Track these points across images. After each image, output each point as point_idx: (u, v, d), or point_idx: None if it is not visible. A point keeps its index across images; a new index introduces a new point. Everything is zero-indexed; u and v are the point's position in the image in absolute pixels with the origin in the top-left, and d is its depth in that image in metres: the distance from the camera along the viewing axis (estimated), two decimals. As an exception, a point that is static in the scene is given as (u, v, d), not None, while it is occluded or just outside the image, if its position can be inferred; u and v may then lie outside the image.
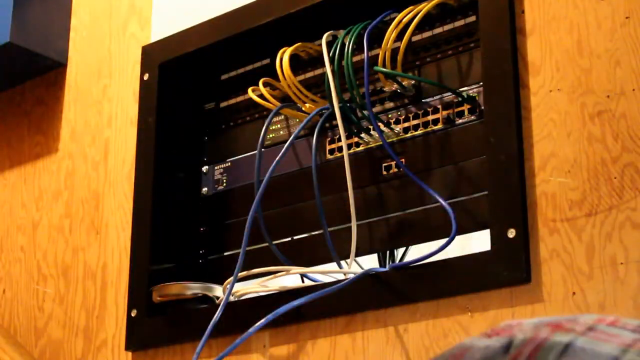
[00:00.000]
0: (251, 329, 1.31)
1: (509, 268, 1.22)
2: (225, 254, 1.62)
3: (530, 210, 1.22)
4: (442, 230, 1.35)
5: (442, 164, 1.39)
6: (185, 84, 1.72)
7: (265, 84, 1.57)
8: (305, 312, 1.36)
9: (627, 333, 0.69)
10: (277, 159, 1.45)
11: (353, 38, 1.45)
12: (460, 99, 1.38)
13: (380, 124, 1.44)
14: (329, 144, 1.52)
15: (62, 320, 1.73)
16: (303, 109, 1.53)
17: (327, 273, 1.45)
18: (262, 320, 1.30)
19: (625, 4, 1.22)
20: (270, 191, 1.49)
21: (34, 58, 1.88)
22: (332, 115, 1.47)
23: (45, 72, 1.92)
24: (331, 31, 1.51)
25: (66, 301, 1.74)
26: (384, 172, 1.45)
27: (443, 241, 1.30)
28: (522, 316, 1.20)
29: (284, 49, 1.53)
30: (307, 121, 1.48)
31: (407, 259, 1.50)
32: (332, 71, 1.45)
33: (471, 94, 1.38)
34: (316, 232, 1.50)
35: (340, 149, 1.50)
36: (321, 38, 1.50)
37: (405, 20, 1.40)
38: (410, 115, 1.44)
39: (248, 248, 1.44)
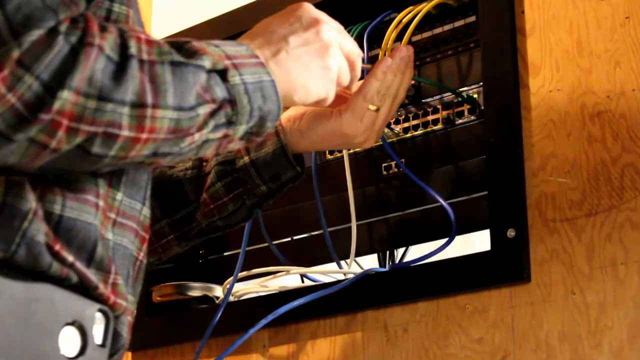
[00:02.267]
0: (251, 329, 1.31)
1: (509, 268, 1.22)
2: (225, 254, 1.62)
3: (530, 210, 1.22)
4: (442, 230, 1.35)
5: (442, 164, 1.39)
6: (185, 84, 1.72)
7: (265, 84, 1.57)
8: (305, 312, 1.36)
9: None
10: (277, 159, 1.45)
11: (353, 38, 1.45)
12: (460, 99, 1.38)
13: (380, 124, 1.44)
14: (329, 144, 1.52)
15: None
16: (303, 109, 1.52)
17: (327, 273, 1.45)
18: (262, 320, 1.30)
19: (625, 4, 1.22)
20: (270, 191, 1.49)
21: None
22: (332, 115, 1.47)
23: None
24: (331, 31, 1.51)
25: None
26: (384, 172, 1.45)
27: (443, 241, 1.30)
28: (522, 316, 1.20)
29: (284, 49, 1.53)
30: (307, 121, 1.48)
31: (407, 259, 1.51)
32: (332, 71, 1.45)
33: (471, 94, 1.38)
34: (316, 232, 1.50)
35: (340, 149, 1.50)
36: (321, 38, 1.50)
37: (405, 20, 1.40)
38: (410, 115, 1.44)
39: (248, 248, 1.44)
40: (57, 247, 0.84)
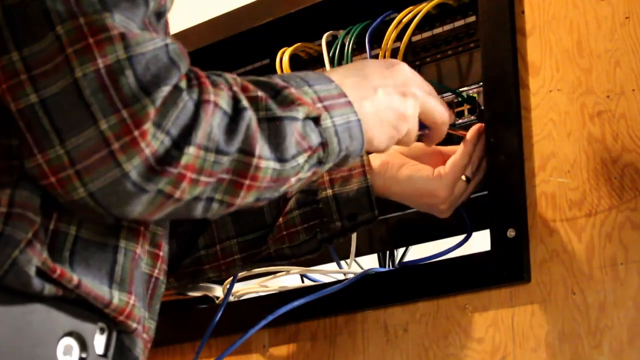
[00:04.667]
0: (251, 329, 1.31)
1: (509, 268, 1.22)
2: (225, 254, 1.62)
3: (530, 211, 1.22)
4: (442, 230, 1.35)
5: (442, 164, 1.38)
6: (185, 84, 1.71)
7: (265, 84, 1.57)
8: (305, 312, 1.36)
9: None
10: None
11: (353, 38, 1.45)
12: (460, 99, 1.38)
13: (380, 124, 1.44)
14: (329, 144, 1.52)
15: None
16: (303, 109, 1.52)
17: (327, 273, 1.45)
18: (262, 321, 1.30)
19: (625, 4, 1.21)
20: (270, 191, 1.48)
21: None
22: (332, 115, 1.47)
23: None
24: (331, 31, 1.52)
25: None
26: (384, 172, 1.45)
27: (443, 241, 1.30)
28: (522, 316, 1.20)
29: (284, 49, 1.53)
30: (307, 121, 1.48)
31: (406, 258, 1.51)
32: (332, 71, 1.45)
33: (471, 94, 1.38)
34: (316, 232, 1.50)
35: (340, 149, 1.49)
36: (321, 38, 1.50)
37: (405, 20, 1.40)
38: (410, 115, 1.43)
39: (248, 248, 1.44)
40: (58, 272, 0.85)
